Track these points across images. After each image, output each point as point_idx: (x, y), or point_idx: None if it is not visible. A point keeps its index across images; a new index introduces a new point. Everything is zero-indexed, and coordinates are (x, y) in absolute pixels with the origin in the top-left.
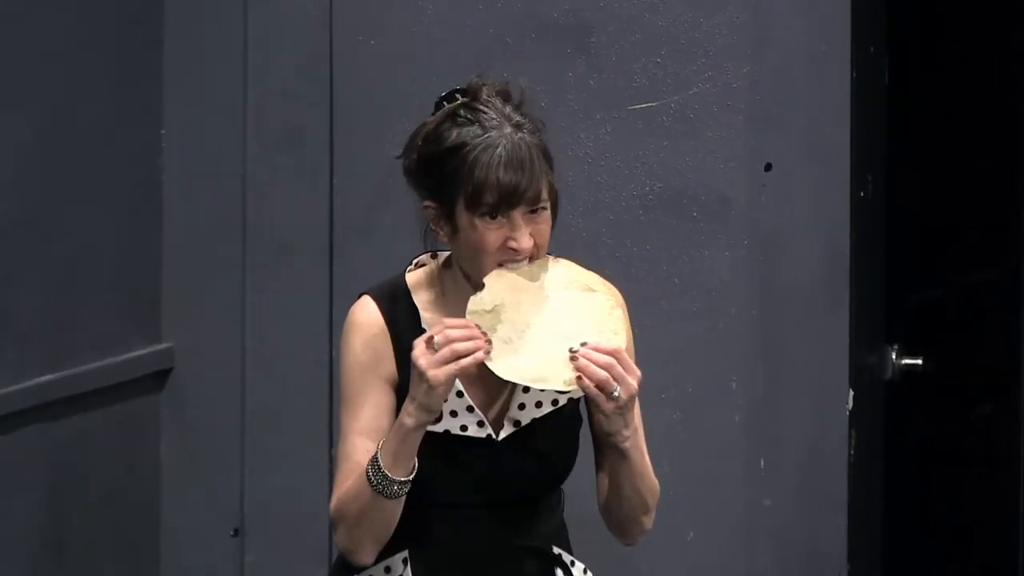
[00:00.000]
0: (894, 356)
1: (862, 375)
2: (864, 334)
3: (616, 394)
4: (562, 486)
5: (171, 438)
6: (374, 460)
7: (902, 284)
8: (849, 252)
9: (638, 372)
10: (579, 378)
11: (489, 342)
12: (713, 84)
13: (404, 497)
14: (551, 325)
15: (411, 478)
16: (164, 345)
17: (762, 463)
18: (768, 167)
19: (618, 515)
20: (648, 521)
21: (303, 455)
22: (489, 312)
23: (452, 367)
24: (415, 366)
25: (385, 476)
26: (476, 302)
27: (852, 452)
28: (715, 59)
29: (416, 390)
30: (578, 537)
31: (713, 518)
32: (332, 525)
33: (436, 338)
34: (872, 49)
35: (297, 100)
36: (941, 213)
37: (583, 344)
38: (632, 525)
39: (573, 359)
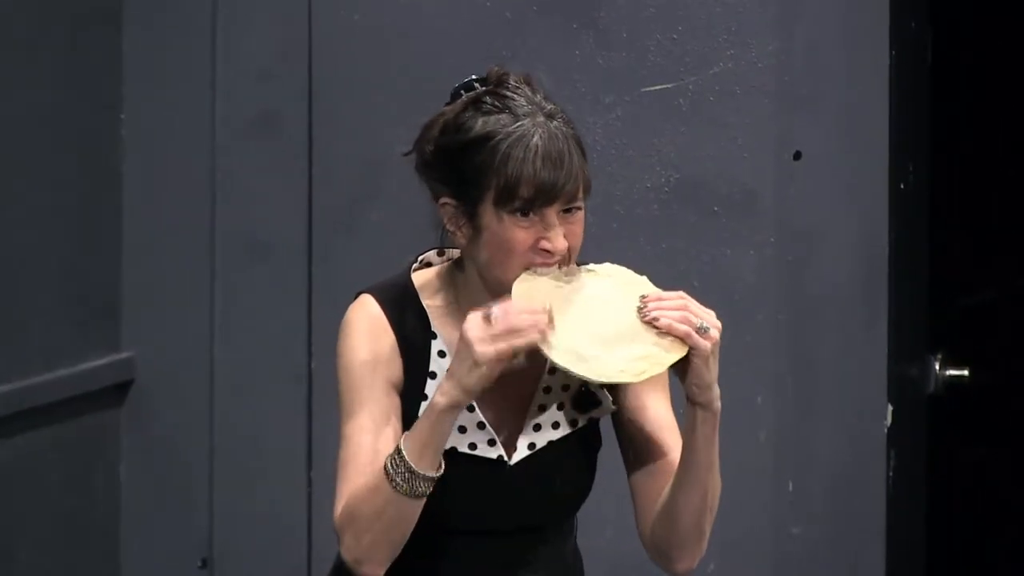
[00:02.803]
0: (938, 367)
1: (902, 388)
2: (905, 342)
3: (706, 327)
4: (576, 513)
5: (132, 458)
6: (396, 453)
7: (947, 286)
8: (888, 251)
9: (711, 311)
10: (655, 319)
11: (551, 326)
12: (736, 63)
13: (425, 499)
14: (604, 320)
15: (438, 476)
16: (124, 354)
17: (791, 486)
18: (797, 156)
19: (679, 523)
20: (707, 535)
21: (279, 478)
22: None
23: (504, 345)
24: (463, 337)
25: (410, 470)
26: (521, 290)
27: (891, 474)
28: (738, 35)
29: (458, 366)
30: (593, 568)
31: (737, 548)
32: (338, 533)
33: (494, 310)
34: (913, 24)
35: (272, 82)
36: (992, 206)
37: (643, 296)
38: (693, 537)
39: (642, 313)
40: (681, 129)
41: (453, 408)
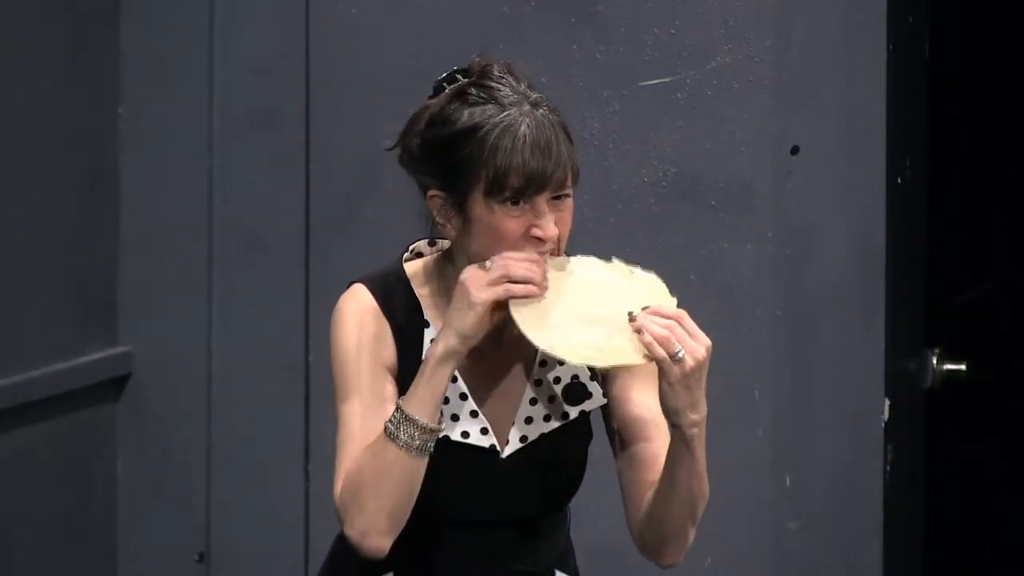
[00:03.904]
0: (935, 361)
1: (899, 383)
2: (902, 337)
3: (681, 355)
4: (568, 505)
5: (129, 453)
6: (396, 410)
7: (944, 282)
8: (885, 246)
9: (707, 340)
10: (640, 332)
11: (546, 282)
12: (734, 58)
13: (427, 459)
14: (594, 308)
15: (440, 430)
16: (121, 349)
17: (788, 481)
18: (795, 150)
19: (664, 527)
20: (692, 534)
21: (276, 472)
22: None
23: (499, 288)
24: (459, 283)
25: (411, 421)
26: None
27: (888, 469)
28: (736, 30)
29: (453, 311)
30: (585, 561)
31: (734, 542)
32: (340, 512)
33: (493, 259)
34: (911, 18)
35: (269, 78)
36: (990, 202)
37: (644, 308)
38: (678, 539)
39: (632, 321)
40: (679, 123)
41: (448, 355)
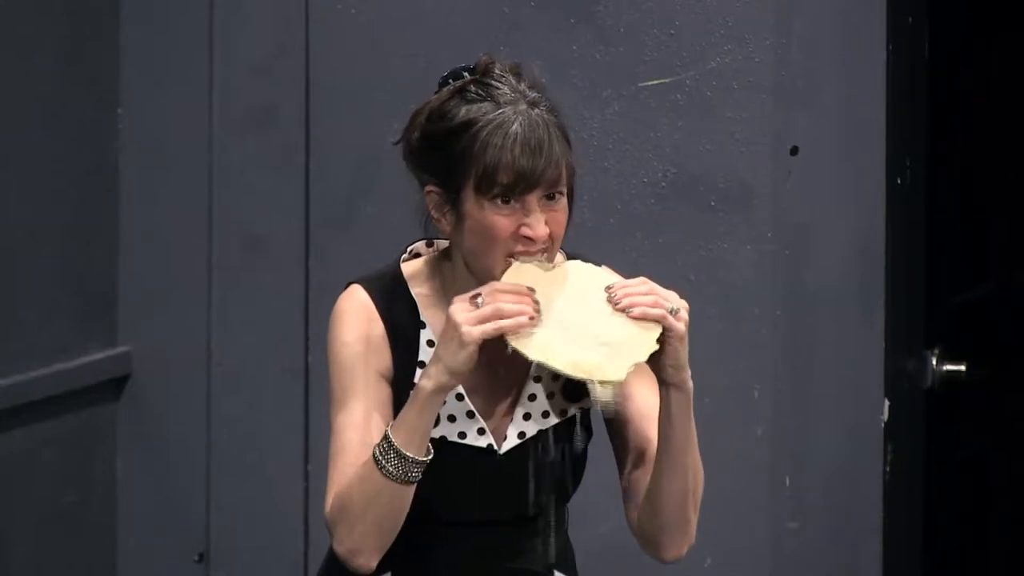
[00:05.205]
0: (934, 362)
1: (899, 383)
2: (901, 337)
3: (676, 309)
4: (567, 504)
5: (129, 453)
6: (384, 439)
7: (944, 281)
8: (885, 246)
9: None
10: (626, 311)
11: (538, 312)
12: (733, 58)
13: (415, 486)
14: (585, 317)
15: (427, 461)
16: (121, 349)
17: (788, 481)
18: (794, 151)
19: (665, 510)
20: (694, 520)
21: (275, 472)
22: None
23: (490, 326)
24: (449, 319)
25: (399, 455)
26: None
27: (888, 469)
28: (735, 30)
29: (444, 347)
30: (585, 561)
31: (733, 542)
32: (330, 526)
33: (483, 294)
34: (910, 18)
35: (268, 76)
36: (989, 202)
37: (608, 287)
38: (679, 524)
39: (613, 302)
40: (678, 124)
41: (439, 391)
